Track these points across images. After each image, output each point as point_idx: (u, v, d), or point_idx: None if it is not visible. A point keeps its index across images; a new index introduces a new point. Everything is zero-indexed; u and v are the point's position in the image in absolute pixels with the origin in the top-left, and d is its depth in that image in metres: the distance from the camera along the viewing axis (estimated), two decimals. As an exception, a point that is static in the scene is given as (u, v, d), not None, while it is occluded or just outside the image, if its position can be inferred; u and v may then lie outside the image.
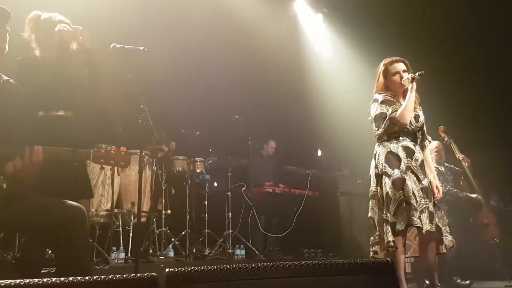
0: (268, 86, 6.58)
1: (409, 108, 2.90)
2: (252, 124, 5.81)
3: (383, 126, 2.94)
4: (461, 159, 5.20)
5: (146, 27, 5.01)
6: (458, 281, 4.78)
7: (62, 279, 0.99)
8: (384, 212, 2.81)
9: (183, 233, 4.94)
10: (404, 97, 3.04)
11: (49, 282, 0.97)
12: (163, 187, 5.06)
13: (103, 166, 1.86)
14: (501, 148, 5.85)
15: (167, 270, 1.09)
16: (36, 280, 0.96)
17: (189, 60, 5.88)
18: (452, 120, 5.42)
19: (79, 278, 1.01)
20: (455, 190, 5.13)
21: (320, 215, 6.23)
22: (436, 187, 2.99)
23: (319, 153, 7.05)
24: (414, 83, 2.97)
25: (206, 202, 5.34)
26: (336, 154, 6.70)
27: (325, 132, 6.64)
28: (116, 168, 4.15)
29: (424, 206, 2.79)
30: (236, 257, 5.02)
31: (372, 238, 2.91)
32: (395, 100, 3.04)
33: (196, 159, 5.33)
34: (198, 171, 5.34)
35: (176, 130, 5.38)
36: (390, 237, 2.73)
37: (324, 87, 6.74)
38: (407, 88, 2.99)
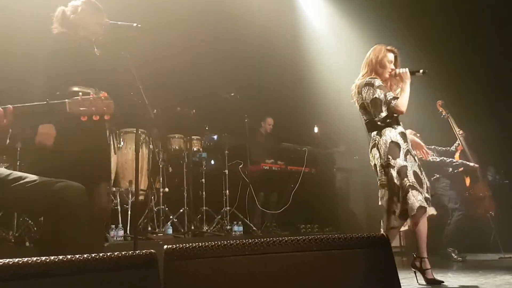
0: (264, 62, 6.51)
1: (407, 98, 3.06)
2: (248, 101, 5.78)
3: (384, 112, 3.07)
4: (459, 134, 5.22)
5: (139, 4, 4.92)
6: (452, 254, 4.85)
7: (61, 257, 1.00)
8: (392, 204, 3.01)
9: (181, 210, 4.98)
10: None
11: (47, 260, 0.98)
12: (161, 166, 5.07)
13: (85, 116, 1.76)
14: (496, 120, 5.85)
15: (165, 247, 1.10)
16: (35, 259, 0.97)
17: (184, 37, 5.79)
18: (449, 92, 5.41)
19: (77, 256, 1.01)
20: (450, 159, 5.16)
21: (317, 191, 6.28)
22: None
23: (316, 129, 7.05)
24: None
25: (203, 180, 5.36)
26: (332, 131, 6.70)
27: (322, 108, 6.62)
28: (113, 142, 4.15)
29: (425, 180, 3.05)
30: (234, 233, 5.08)
31: (381, 222, 3.14)
32: (387, 86, 3.17)
33: (193, 137, 5.32)
34: (195, 149, 5.34)
35: (172, 108, 5.35)
36: (395, 223, 2.99)
37: (321, 63, 6.68)
38: (393, 79, 3.18)
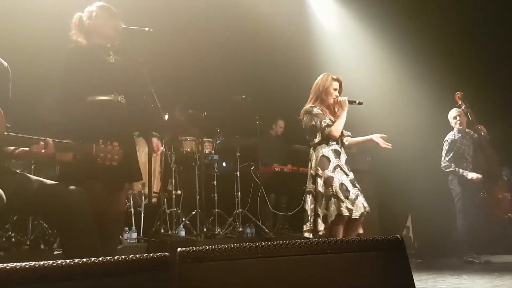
0: (275, 65, 6.50)
1: (341, 126, 3.49)
2: (259, 103, 5.78)
3: (317, 138, 3.51)
4: (478, 129, 4.88)
5: (150, 8, 4.96)
6: (470, 258, 4.75)
7: (76, 260, 1.01)
8: (317, 207, 3.35)
9: (194, 212, 5.00)
10: (329, 110, 3.58)
11: (63, 264, 0.99)
12: (173, 168, 5.10)
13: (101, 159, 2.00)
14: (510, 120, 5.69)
15: (178, 249, 1.10)
16: (50, 262, 0.98)
17: (195, 41, 5.82)
18: (470, 86, 5.10)
19: (92, 259, 1.02)
20: (462, 171, 4.78)
21: (329, 193, 6.23)
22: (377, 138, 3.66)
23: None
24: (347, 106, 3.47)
25: (215, 182, 5.38)
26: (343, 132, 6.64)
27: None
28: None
29: (356, 193, 3.35)
30: (246, 235, 5.09)
31: (304, 226, 3.45)
32: (324, 113, 3.51)
33: (204, 139, 5.34)
34: (206, 151, 5.36)
35: (184, 111, 5.37)
36: (321, 227, 3.29)
37: (332, 65, 6.65)
38: (336, 105, 3.54)
